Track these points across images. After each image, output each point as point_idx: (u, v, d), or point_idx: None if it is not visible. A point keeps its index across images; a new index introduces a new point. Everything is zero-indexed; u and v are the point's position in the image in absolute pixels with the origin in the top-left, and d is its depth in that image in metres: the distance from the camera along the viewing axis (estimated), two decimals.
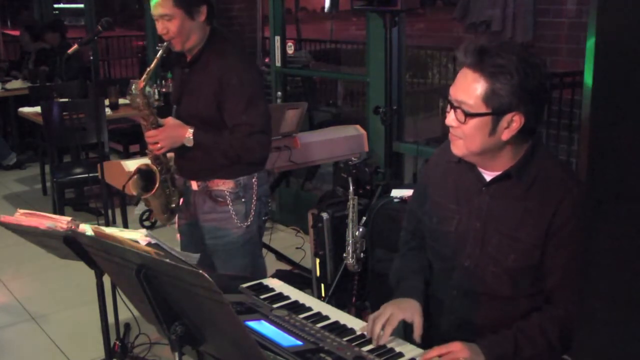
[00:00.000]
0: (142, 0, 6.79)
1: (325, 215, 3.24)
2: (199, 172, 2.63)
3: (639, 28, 0.94)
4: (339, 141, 4.00)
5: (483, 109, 1.63)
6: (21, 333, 3.50)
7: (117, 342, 2.81)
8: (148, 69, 2.52)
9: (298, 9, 8.77)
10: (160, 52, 2.51)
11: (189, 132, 2.51)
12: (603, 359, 1.05)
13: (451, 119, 1.69)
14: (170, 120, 2.56)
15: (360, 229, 2.98)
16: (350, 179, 3.04)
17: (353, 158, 3.55)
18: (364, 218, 3.04)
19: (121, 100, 5.34)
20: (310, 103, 5.38)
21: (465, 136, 1.68)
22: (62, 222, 1.95)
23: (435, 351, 1.63)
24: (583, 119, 1.06)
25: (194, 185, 2.66)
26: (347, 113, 6.57)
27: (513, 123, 1.64)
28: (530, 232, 1.68)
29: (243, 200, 2.62)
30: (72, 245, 1.92)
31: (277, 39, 4.85)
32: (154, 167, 2.56)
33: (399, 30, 3.91)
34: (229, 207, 2.61)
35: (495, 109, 1.62)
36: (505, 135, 1.65)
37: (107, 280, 2.21)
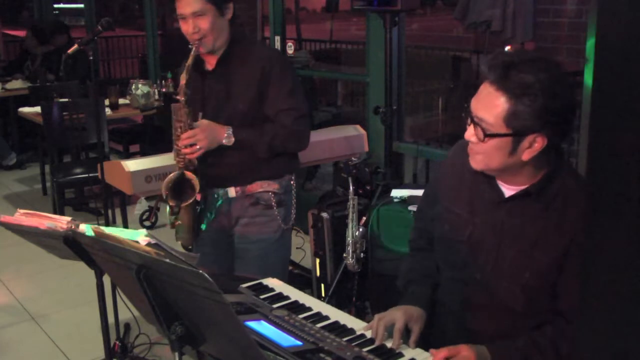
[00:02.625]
0: (142, 0, 6.78)
1: (325, 215, 3.24)
2: (237, 176, 2.52)
3: (639, 28, 0.94)
4: (339, 141, 3.99)
5: (503, 130, 1.56)
6: (21, 333, 3.50)
7: (117, 342, 2.81)
8: (187, 64, 2.36)
9: (298, 9, 8.77)
10: (193, 51, 2.37)
11: (228, 130, 2.41)
12: (603, 359, 1.05)
13: (470, 133, 1.62)
14: (204, 121, 2.42)
15: (360, 229, 2.98)
16: (350, 179, 3.04)
17: (353, 158, 3.55)
18: (364, 218, 3.04)
19: (121, 100, 5.35)
20: (310, 103, 5.38)
21: (484, 153, 1.62)
22: (62, 222, 1.95)
23: (444, 352, 1.61)
24: (583, 119, 1.06)
25: (232, 191, 2.54)
26: (347, 113, 6.57)
27: (535, 144, 1.57)
28: (548, 251, 1.63)
29: (285, 202, 2.58)
30: (72, 245, 1.92)
31: (277, 39, 4.85)
32: (189, 174, 2.41)
33: (399, 30, 3.91)
34: (274, 210, 2.56)
35: (516, 130, 1.55)
36: (527, 156, 1.58)
37: (107, 280, 2.21)
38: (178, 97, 2.37)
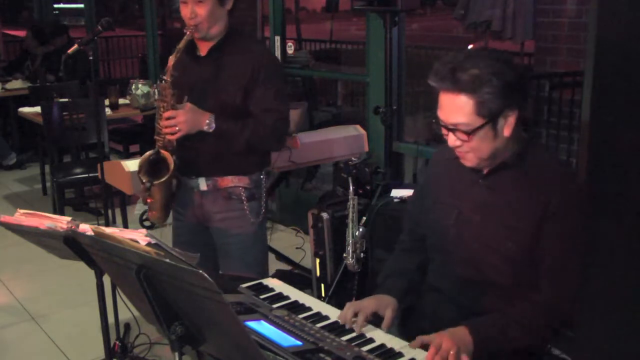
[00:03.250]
0: (142, 0, 6.79)
1: (325, 215, 3.24)
2: (210, 168, 2.57)
3: (639, 28, 0.94)
4: (339, 141, 3.99)
5: (480, 122, 1.68)
6: (21, 333, 3.50)
7: (117, 342, 2.81)
8: (178, 47, 2.42)
9: (298, 9, 8.77)
10: (187, 35, 2.43)
11: (210, 117, 2.45)
12: (603, 359, 1.05)
13: (453, 140, 1.73)
14: (189, 104, 2.47)
15: (360, 229, 2.98)
16: (350, 179, 3.04)
17: (353, 158, 3.55)
18: (364, 218, 3.04)
19: (121, 100, 5.34)
20: (310, 103, 5.38)
21: (473, 150, 1.73)
22: (62, 222, 1.95)
23: (419, 341, 1.65)
24: (583, 119, 1.06)
25: (203, 184, 2.59)
26: (347, 113, 6.56)
27: (509, 118, 1.70)
28: (526, 219, 1.72)
29: (256, 196, 2.64)
30: (72, 245, 1.92)
31: (277, 39, 4.85)
32: (166, 153, 2.48)
33: (399, 30, 3.91)
34: (244, 204, 2.61)
35: (490, 116, 1.68)
36: (507, 132, 1.71)
37: (107, 280, 2.21)
38: (165, 77, 2.43)
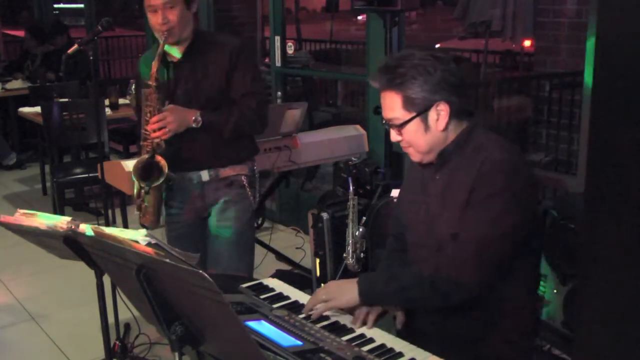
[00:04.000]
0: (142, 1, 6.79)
1: (325, 215, 3.24)
2: (209, 160, 2.65)
3: (639, 28, 0.94)
4: (339, 141, 3.99)
5: (408, 116, 1.80)
6: (21, 333, 3.50)
7: (117, 342, 2.81)
8: (158, 53, 2.48)
9: (298, 9, 8.77)
10: (163, 40, 2.49)
11: (196, 113, 2.53)
12: (603, 359, 1.05)
13: (393, 135, 1.87)
14: (172, 105, 2.55)
15: (360, 229, 2.98)
16: (350, 179, 3.04)
17: (353, 158, 3.55)
18: (364, 218, 3.04)
19: (121, 100, 5.34)
20: (310, 103, 5.38)
21: (410, 143, 1.85)
22: (62, 222, 1.95)
23: (312, 303, 1.83)
24: (583, 119, 1.06)
25: (205, 175, 2.67)
26: (347, 113, 6.57)
27: (441, 112, 1.80)
28: (461, 198, 1.78)
29: (254, 184, 2.77)
30: (72, 245, 1.92)
31: (277, 39, 4.85)
32: (158, 157, 2.53)
33: (399, 30, 3.91)
34: (247, 190, 2.73)
35: (418, 109, 1.79)
36: (441, 125, 1.81)
37: (107, 280, 2.20)
38: (150, 83, 2.50)
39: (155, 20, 2.51)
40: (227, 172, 2.69)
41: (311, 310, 1.83)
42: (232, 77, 2.58)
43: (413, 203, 1.97)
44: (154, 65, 2.48)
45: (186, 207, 2.73)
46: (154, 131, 2.49)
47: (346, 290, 1.83)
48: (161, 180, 2.54)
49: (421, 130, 1.82)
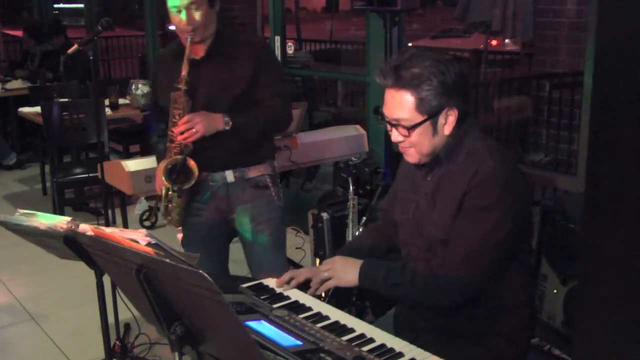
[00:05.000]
0: (142, 0, 6.79)
1: (325, 215, 3.24)
2: (235, 160, 2.63)
3: (639, 28, 0.94)
4: (339, 141, 3.99)
5: (419, 118, 1.77)
6: (21, 333, 3.50)
7: (117, 342, 2.81)
8: (186, 55, 2.45)
9: (298, 9, 8.78)
10: (190, 40, 2.47)
11: (225, 116, 2.50)
12: (603, 359, 1.05)
13: (395, 135, 1.83)
14: (200, 110, 2.52)
15: (360, 229, 2.98)
16: (350, 179, 3.04)
17: (353, 158, 3.55)
18: (364, 218, 3.04)
19: (121, 100, 5.34)
20: (310, 103, 5.37)
21: (413, 145, 1.82)
22: (62, 222, 1.95)
23: (316, 278, 1.93)
24: (583, 119, 1.06)
25: (230, 176, 2.64)
26: (347, 113, 6.57)
27: (450, 117, 1.78)
28: (450, 205, 1.79)
29: (277, 182, 2.77)
30: (72, 245, 1.92)
31: (277, 39, 4.85)
32: (189, 159, 2.51)
33: (399, 30, 3.91)
34: (271, 190, 2.72)
35: (429, 113, 1.77)
36: (447, 130, 1.80)
37: (107, 280, 2.21)
38: (179, 86, 2.47)
39: (179, 20, 2.48)
40: (252, 172, 2.67)
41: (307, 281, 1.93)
42: (259, 78, 2.57)
43: (403, 200, 1.98)
44: (184, 68, 2.45)
45: (209, 207, 2.70)
46: (181, 133, 2.46)
47: (349, 272, 1.88)
48: (192, 182, 2.53)
49: (429, 134, 1.79)
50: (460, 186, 1.76)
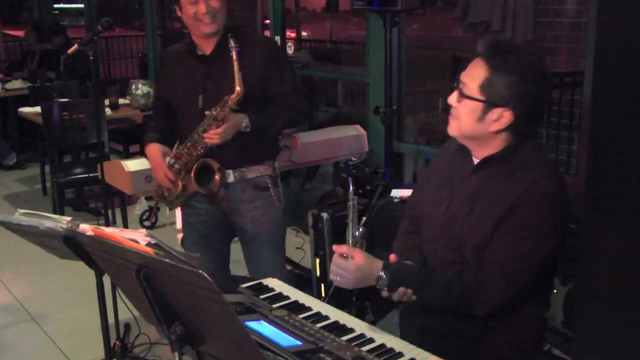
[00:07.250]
0: (142, 0, 6.79)
1: (325, 215, 3.24)
2: (236, 160, 2.61)
3: (639, 28, 0.94)
4: (339, 141, 3.99)
5: (477, 95, 1.73)
6: (21, 333, 3.50)
7: (117, 342, 2.81)
8: (236, 68, 2.42)
9: (298, 9, 8.77)
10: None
11: (245, 118, 2.49)
12: (603, 359, 1.05)
13: (451, 96, 1.79)
14: (210, 106, 2.51)
15: (360, 229, 2.98)
16: (350, 179, 3.04)
17: (353, 158, 3.55)
18: (364, 218, 3.04)
19: (121, 100, 5.34)
20: (310, 103, 5.37)
21: (458, 117, 1.77)
22: (62, 222, 1.95)
23: (344, 248, 1.85)
24: (583, 119, 1.06)
25: (230, 177, 2.62)
26: (347, 113, 6.56)
27: (502, 118, 1.72)
28: (492, 215, 1.74)
29: (277, 182, 2.75)
30: (72, 245, 1.92)
31: (277, 39, 4.85)
32: (209, 160, 2.54)
33: (399, 30, 3.91)
34: (271, 191, 2.70)
35: (488, 99, 1.71)
36: (494, 127, 1.74)
37: (107, 280, 2.21)
38: (231, 104, 2.44)
39: (196, 9, 2.45)
40: (252, 173, 2.65)
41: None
42: (272, 76, 2.56)
43: (436, 195, 1.92)
44: (238, 83, 2.40)
45: (210, 208, 2.70)
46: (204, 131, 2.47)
47: (367, 281, 1.80)
48: (218, 180, 2.56)
49: (476, 116, 1.73)
50: (509, 197, 1.72)
